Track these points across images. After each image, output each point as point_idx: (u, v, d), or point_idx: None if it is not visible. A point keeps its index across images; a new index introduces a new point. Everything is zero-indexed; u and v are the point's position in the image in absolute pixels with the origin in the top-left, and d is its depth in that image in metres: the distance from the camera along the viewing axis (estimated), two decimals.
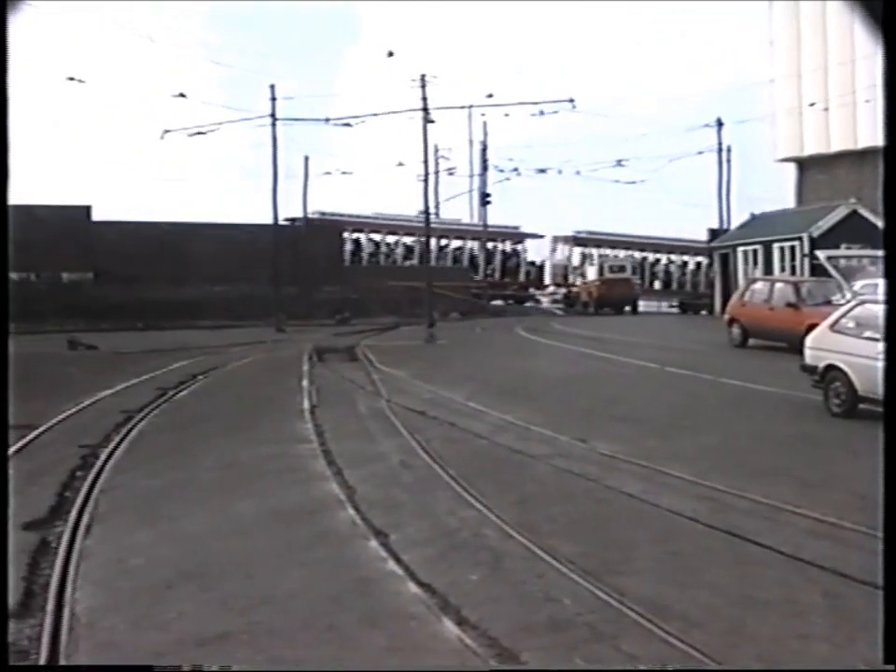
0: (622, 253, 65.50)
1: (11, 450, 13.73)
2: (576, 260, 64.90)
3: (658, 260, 67.58)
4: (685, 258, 67.27)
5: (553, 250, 66.95)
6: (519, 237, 65.59)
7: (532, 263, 65.98)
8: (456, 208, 68.90)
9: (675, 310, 63.72)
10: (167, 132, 46.62)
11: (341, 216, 59.29)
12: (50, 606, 7.45)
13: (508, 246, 65.50)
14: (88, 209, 51.96)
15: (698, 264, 65.68)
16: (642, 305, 62.22)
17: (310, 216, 59.07)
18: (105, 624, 7.11)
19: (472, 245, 63.86)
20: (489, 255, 63.85)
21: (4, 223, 4.72)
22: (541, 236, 65.89)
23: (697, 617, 6.76)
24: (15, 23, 4.72)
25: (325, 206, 60.12)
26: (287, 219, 56.93)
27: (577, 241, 64.90)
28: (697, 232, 66.11)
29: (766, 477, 11.10)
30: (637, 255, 65.86)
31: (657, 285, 67.29)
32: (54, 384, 21.99)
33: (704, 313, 63.02)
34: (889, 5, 4.42)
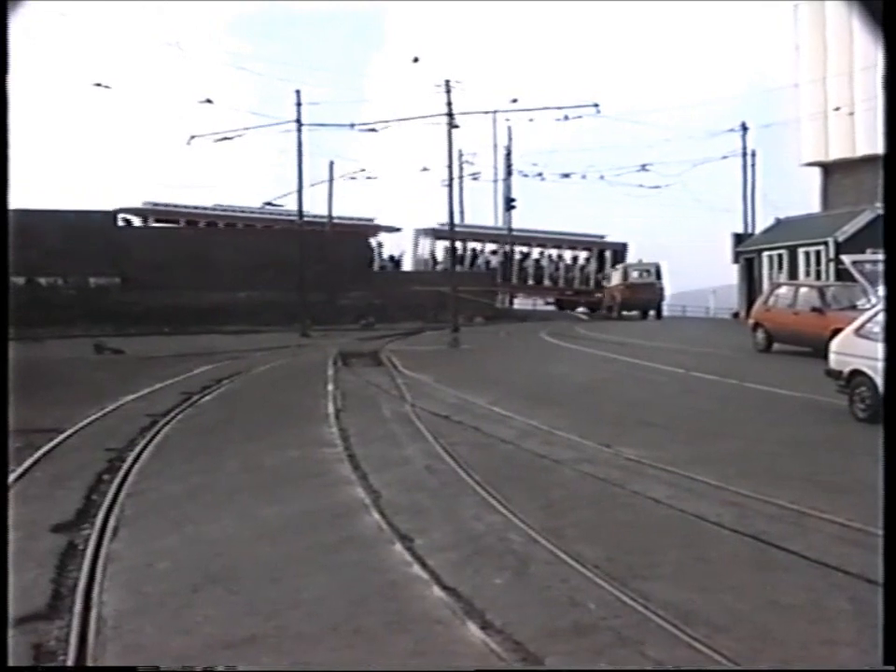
0: (490, 246, 62.83)
1: (39, 453, 13.93)
2: (440, 255, 61.27)
3: (528, 255, 63.86)
4: (562, 252, 64.22)
5: (416, 244, 63.78)
6: (373, 230, 61.02)
7: (391, 258, 62.23)
8: (482, 213, 68.37)
9: (550, 307, 62.46)
10: (193, 137, 46.74)
11: (175, 206, 55.09)
12: (78, 608, 7.51)
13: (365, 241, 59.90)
14: (115, 214, 52.26)
15: (575, 258, 63.66)
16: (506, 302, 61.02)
17: (142, 206, 54.45)
18: (131, 627, 7.15)
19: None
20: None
21: (4, 224, 4.74)
22: (398, 229, 62.26)
23: (722, 622, 6.75)
24: (15, 23, 4.74)
25: (160, 197, 56.17)
26: (119, 210, 52.80)
27: (437, 234, 61.23)
28: (591, 227, 65.24)
29: (792, 482, 11.06)
30: (507, 248, 62.50)
31: (529, 281, 63.73)
32: (81, 388, 22.15)
33: (581, 310, 62.22)
34: (889, 5, 4.41)
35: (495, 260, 62.36)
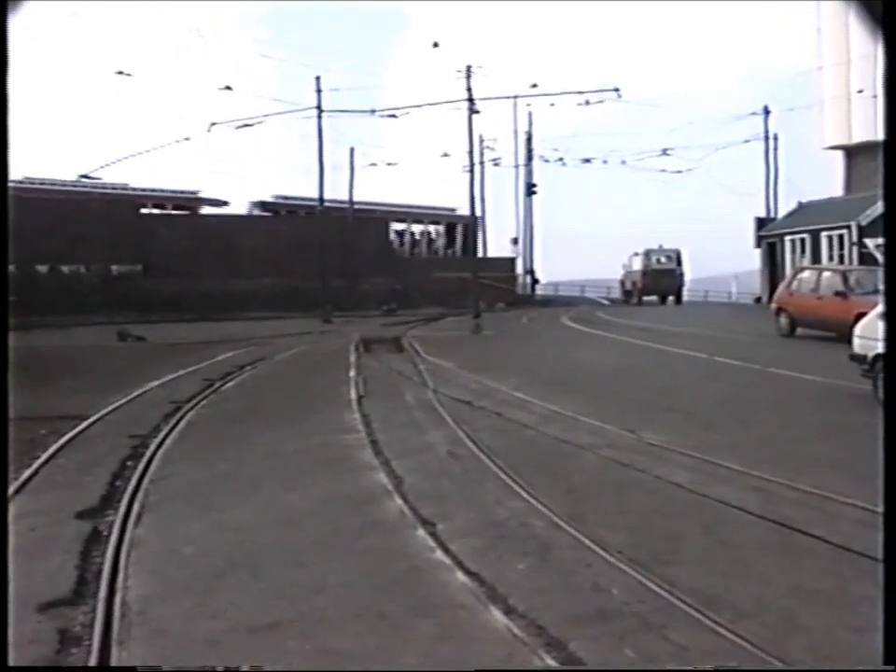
0: None
1: (64, 439, 14.01)
2: None
3: None
4: (409, 226, 62.12)
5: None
6: (196, 203, 59.05)
7: None
8: (504, 199, 67.94)
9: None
10: (214, 124, 46.80)
11: None
12: (103, 593, 7.52)
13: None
14: (136, 201, 52.45)
15: (424, 233, 62.06)
16: None
17: None
18: (156, 612, 7.16)
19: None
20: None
21: (4, 220, 4.74)
22: (226, 203, 59.47)
23: (747, 607, 6.72)
24: (15, 23, 4.74)
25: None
26: None
27: (266, 207, 59.72)
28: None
29: (816, 467, 11.00)
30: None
31: None
32: (104, 375, 22.25)
33: None
34: (889, 5, 4.36)
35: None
